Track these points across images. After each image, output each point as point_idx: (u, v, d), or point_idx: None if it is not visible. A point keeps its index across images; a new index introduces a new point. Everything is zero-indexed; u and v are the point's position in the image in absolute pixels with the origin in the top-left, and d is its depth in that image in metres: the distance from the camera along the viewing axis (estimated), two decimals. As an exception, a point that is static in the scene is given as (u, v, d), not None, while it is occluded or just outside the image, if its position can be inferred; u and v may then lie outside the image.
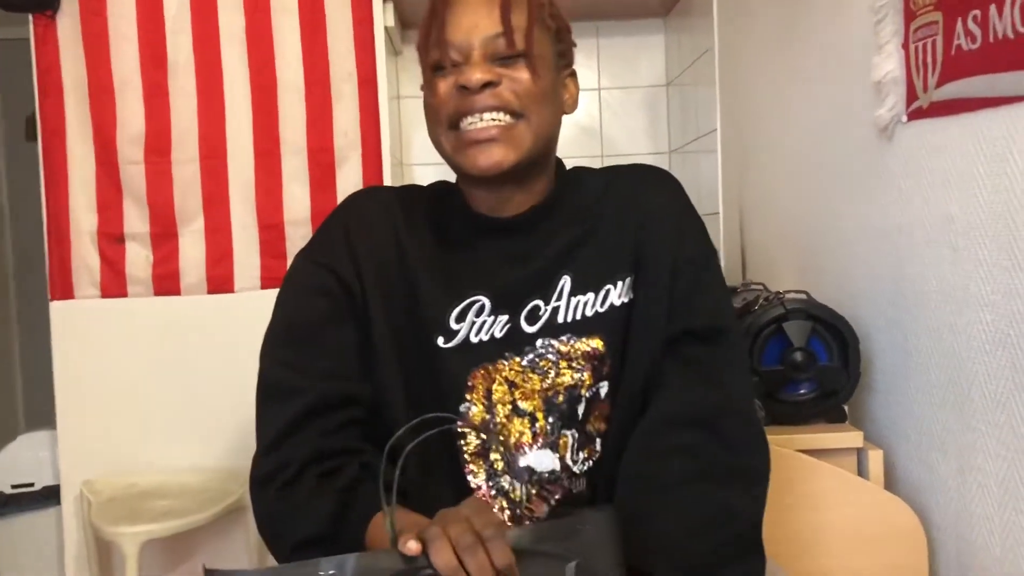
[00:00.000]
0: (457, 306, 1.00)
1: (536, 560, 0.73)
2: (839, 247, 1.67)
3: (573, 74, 1.08)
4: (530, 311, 1.01)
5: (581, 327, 1.01)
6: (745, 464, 0.97)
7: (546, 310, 1.01)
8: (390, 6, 2.48)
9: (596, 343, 1.01)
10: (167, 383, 2.43)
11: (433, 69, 1.00)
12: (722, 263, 2.29)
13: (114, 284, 2.47)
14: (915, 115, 1.35)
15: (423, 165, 2.93)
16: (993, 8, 1.12)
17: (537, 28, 0.99)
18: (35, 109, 2.42)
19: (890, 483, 1.44)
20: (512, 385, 0.99)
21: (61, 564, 2.50)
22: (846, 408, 1.51)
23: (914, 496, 1.38)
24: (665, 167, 2.94)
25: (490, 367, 0.99)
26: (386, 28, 2.48)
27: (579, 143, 2.96)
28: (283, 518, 0.95)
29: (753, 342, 1.43)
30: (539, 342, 1.00)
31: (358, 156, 2.49)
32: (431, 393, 0.97)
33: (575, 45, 1.09)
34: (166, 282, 2.47)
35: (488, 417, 0.98)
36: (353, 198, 1.09)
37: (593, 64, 2.96)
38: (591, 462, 1.01)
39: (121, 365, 2.46)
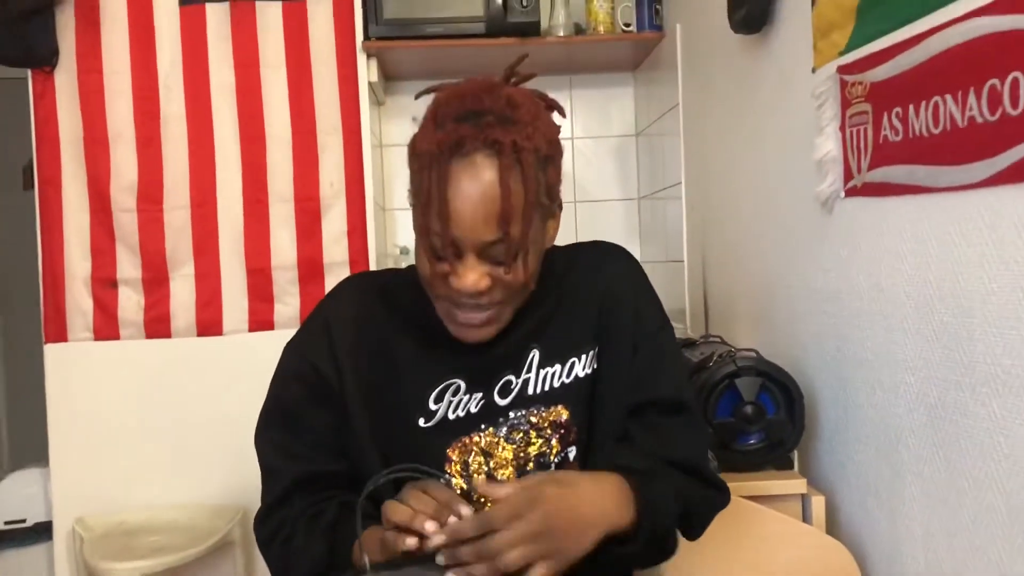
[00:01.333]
0: (435, 389, 1.09)
1: None
2: (788, 306, 1.81)
3: (558, 209, 1.12)
4: (502, 385, 1.10)
5: (549, 397, 1.10)
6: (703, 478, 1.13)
7: (517, 383, 1.10)
8: (374, 62, 2.62)
9: (562, 413, 1.10)
10: (158, 423, 2.53)
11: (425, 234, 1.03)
12: (686, 311, 2.43)
13: (107, 327, 2.57)
14: (851, 192, 1.49)
15: (404, 210, 3.05)
16: (911, 107, 1.27)
17: (534, 219, 1.02)
18: (32, 159, 2.53)
19: (832, 527, 1.57)
20: (487, 455, 1.08)
21: (52, 598, 2.57)
22: (794, 456, 1.64)
23: (853, 539, 1.52)
24: (635, 213, 3.11)
25: (466, 439, 1.08)
26: (370, 83, 2.61)
27: (553, 189, 3.09)
28: (288, 566, 1.10)
29: (708, 396, 1.56)
30: (512, 413, 1.09)
31: (343, 203, 2.61)
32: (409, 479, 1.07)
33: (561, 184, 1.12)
34: (157, 325, 2.58)
35: (466, 488, 1.07)
36: (337, 292, 1.19)
37: (567, 114, 3.10)
38: None
39: (113, 405, 2.56)
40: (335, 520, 1.08)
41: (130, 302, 2.57)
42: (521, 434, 1.08)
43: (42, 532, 2.59)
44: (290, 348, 1.17)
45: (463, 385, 1.09)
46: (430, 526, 0.90)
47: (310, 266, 2.60)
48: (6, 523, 2.60)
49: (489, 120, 0.97)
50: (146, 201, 2.56)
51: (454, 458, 1.08)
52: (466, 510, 0.90)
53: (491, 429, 1.09)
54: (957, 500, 1.22)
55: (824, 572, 1.45)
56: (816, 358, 1.67)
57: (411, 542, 0.90)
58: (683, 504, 1.06)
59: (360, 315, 1.14)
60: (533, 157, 0.99)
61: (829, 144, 1.53)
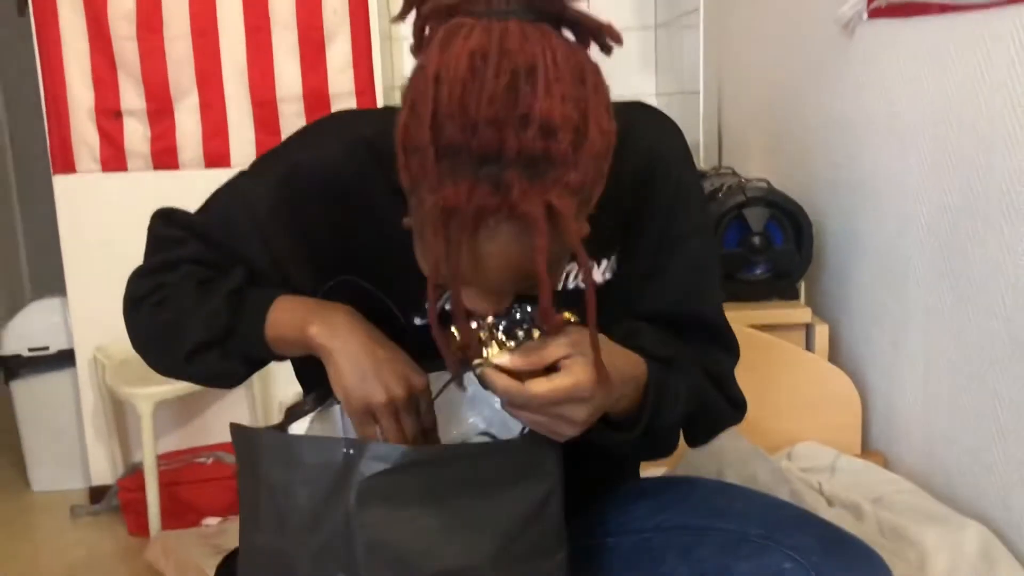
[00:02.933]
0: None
1: (526, 449, 0.83)
2: (802, 135, 1.77)
3: None
4: None
5: (558, 299, 0.87)
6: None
7: None
8: None
9: (568, 318, 0.87)
10: (170, 254, 2.55)
11: None
12: (700, 143, 2.38)
13: (114, 158, 2.55)
14: (875, 14, 1.43)
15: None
16: (945, -81, 1.19)
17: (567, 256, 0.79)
18: (24, -19, 2.44)
19: (834, 355, 1.59)
20: (484, 346, 0.89)
21: (80, 422, 2.68)
22: (800, 287, 1.64)
23: (854, 366, 1.54)
24: (651, 42, 2.99)
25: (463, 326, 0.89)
26: (375, -96, 2.47)
27: (566, 17, 2.97)
28: (169, 328, 0.93)
29: (716, 227, 1.55)
30: (515, 307, 0.89)
31: (347, 32, 2.53)
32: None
33: None
34: (164, 156, 2.56)
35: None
36: (312, 136, 0.96)
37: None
38: None
39: (125, 236, 2.54)
40: (242, 285, 0.92)
41: (136, 133, 2.54)
42: (522, 332, 0.89)
43: (65, 359, 2.67)
44: (235, 188, 0.96)
45: None
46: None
47: (316, 97, 2.54)
48: (30, 350, 2.68)
49: (514, 176, 0.69)
50: (145, 29, 2.48)
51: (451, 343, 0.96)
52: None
53: (490, 320, 0.88)
54: (960, 328, 1.23)
55: (826, 398, 1.48)
56: (826, 188, 1.64)
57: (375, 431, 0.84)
58: (695, 405, 0.92)
59: (343, 180, 0.91)
60: (575, 205, 0.73)
61: (855, -39, 1.45)
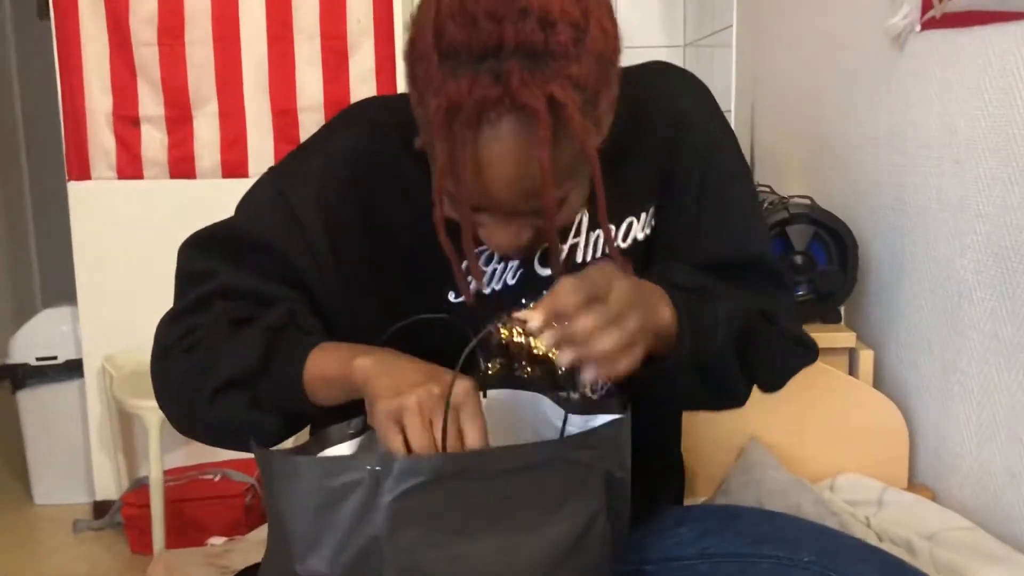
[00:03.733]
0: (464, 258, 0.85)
1: (568, 467, 0.75)
2: (845, 152, 1.70)
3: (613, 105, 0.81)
4: (544, 252, 0.89)
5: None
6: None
7: (563, 249, 0.90)
8: None
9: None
10: (184, 264, 2.50)
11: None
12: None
13: (130, 166, 2.51)
14: (928, 25, 1.36)
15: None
16: (1013, -79, 1.13)
17: (582, 166, 0.77)
18: (46, -15, 2.41)
19: (878, 381, 1.51)
20: (528, 335, 0.87)
21: (86, 432, 2.62)
22: (842, 310, 1.57)
23: (900, 394, 1.46)
24: (680, 62, 2.96)
25: (505, 318, 0.86)
26: (401, -89, 2.44)
27: (593, 34, 2.94)
28: (200, 366, 0.85)
29: (755, 244, 1.48)
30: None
31: (371, 43, 2.49)
32: (441, 341, 0.81)
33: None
34: (182, 165, 2.51)
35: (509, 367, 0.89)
36: (343, 122, 0.94)
37: (610, -48, 2.91)
38: (611, 385, 0.93)
39: (138, 245, 2.52)
40: (283, 323, 0.86)
41: (153, 141, 2.50)
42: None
43: (73, 369, 2.62)
44: (267, 184, 0.92)
45: (496, 252, 0.89)
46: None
47: (337, 107, 2.45)
48: (38, 359, 2.63)
49: (514, 66, 0.69)
50: (166, 35, 2.44)
51: (491, 339, 0.88)
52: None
53: (533, 303, 0.83)
54: (1022, 356, 1.15)
55: (870, 427, 1.40)
56: (872, 208, 1.57)
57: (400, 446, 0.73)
58: (742, 330, 0.86)
59: (369, 160, 0.90)
60: (579, 101, 0.72)
61: (908, -30, 1.39)
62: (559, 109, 0.70)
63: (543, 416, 0.89)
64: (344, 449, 0.84)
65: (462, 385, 0.74)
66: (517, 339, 0.88)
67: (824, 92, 1.81)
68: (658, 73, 0.94)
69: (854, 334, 1.52)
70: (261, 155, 2.51)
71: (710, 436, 1.40)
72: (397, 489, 0.69)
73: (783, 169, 2.07)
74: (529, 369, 0.90)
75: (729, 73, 2.33)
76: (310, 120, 2.49)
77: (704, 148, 0.91)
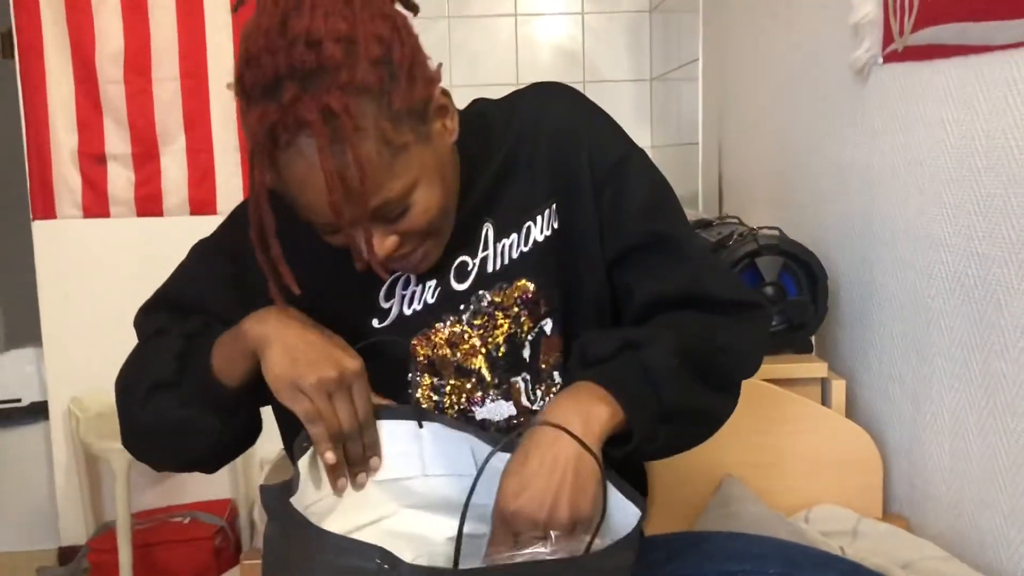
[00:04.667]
0: (384, 284, 0.95)
1: None
2: (813, 183, 1.72)
3: (441, 94, 0.88)
4: (457, 268, 0.96)
5: (510, 271, 0.96)
6: (737, 309, 0.96)
7: (474, 264, 0.96)
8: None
9: (527, 286, 0.96)
10: (151, 303, 2.47)
11: None
12: (699, 194, 2.34)
13: (96, 204, 2.48)
14: (890, 58, 1.38)
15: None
16: (970, -43, 1.15)
17: (402, 162, 0.82)
18: (11, 24, 2.39)
19: (851, 411, 1.52)
20: (453, 346, 0.96)
21: (51, 476, 2.57)
22: (813, 340, 1.57)
23: (872, 423, 1.47)
24: (646, 95, 2.98)
25: (429, 333, 0.96)
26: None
27: (560, 69, 2.96)
28: (128, 377, 0.96)
29: (726, 276, 1.49)
30: (472, 297, 0.96)
31: (340, 79, 2.49)
32: (375, 375, 0.91)
33: (437, 82, 0.87)
34: (148, 203, 2.49)
35: (438, 381, 0.96)
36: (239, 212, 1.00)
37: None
38: (550, 396, 0.98)
39: (105, 284, 2.49)
40: (197, 330, 0.95)
41: (120, 179, 2.48)
42: (486, 317, 0.95)
43: (38, 411, 2.57)
44: (199, 249, 1.02)
45: (412, 275, 0.96)
46: (330, 457, 0.85)
47: (306, 143, 2.49)
48: (2, 402, 2.58)
49: (290, 89, 0.76)
50: (133, 72, 2.43)
51: (419, 356, 0.96)
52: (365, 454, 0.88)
53: (452, 318, 0.95)
54: (992, 384, 1.16)
55: (844, 456, 1.40)
56: (840, 238, 1.59)
57: (330, 457, 0.85)
58: (687, 354, 0.88)
59: (287, 219, 0.91)
60: (362, 102, 0.78)
61: (868, 5, 1.41)
62: (335, 119, 0.77)
63: (479, 450, 0.90)
64: (303, 463, 0.86)
65: (353, 365, 0.86)
66: (442, 352, 0.95)
67: (791, 124, 1.83)
68: (532, 91, 1.01)
69: (826, 364, 1.52)
70: (229, 192, 2.49)
71: (685, 470, 1.39)
72: None
73: (751, 201, 2.09)
74: (456, 382, 0.96)
75: (696, 106, 2.36)
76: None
77: (587, 139, 0.96)
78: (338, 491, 0.89)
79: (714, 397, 0.92)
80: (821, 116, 1.67)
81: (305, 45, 0.77)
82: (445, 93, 0.89)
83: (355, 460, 0.89)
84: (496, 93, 1.08)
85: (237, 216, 1.01)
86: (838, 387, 1.49)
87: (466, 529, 0.90)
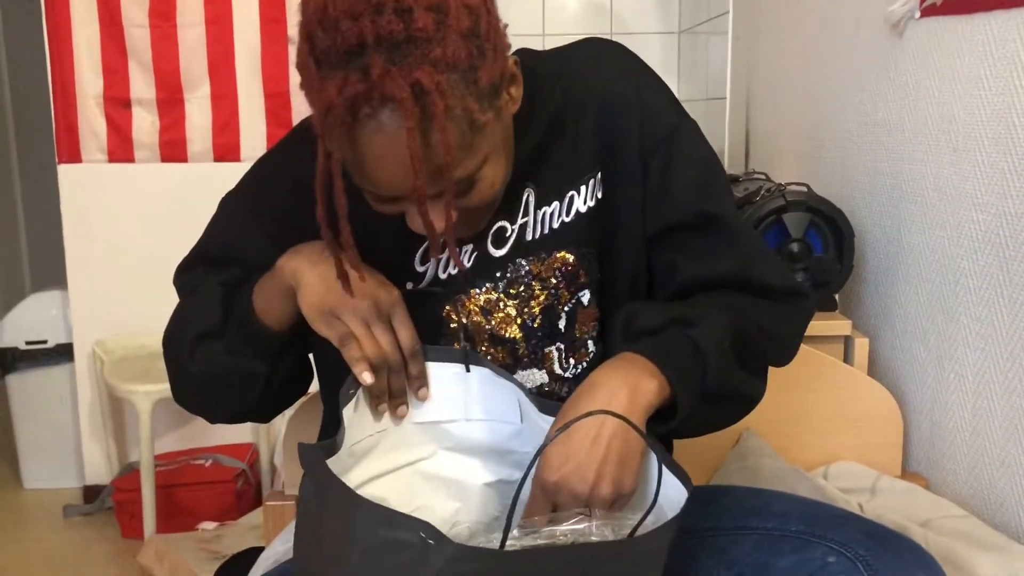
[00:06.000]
0: (420, 247, 0.93)
1: (624, 564, 0.75)
2: (843, 139, 1.69)
3: (512, 77, 0.84)
4: (496, 234, 0.93)
5: (550, 241, 0.93)
6: (784, 299, 0.95)
7: (513, 230, 0.93)
8: None
9: (566, 256, 0.93)
10: (174, 247, 2.46)
11: None
12: (726, 150, 2.31)
13: (121, 149, 2.49)
14: (928, 11, 1.35)
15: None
16: (1016, -93, 1.12)
17: (480, 140, 0.78)
18: (36, -35, 2.38)
19: (873, 369, 1.51)
20: (487, 314, 0.94)
21: (76, 417, 2.61)
22: (837, 297, 1.57)
23: (894, 382, 1.46)
24: (674, 48, 2.94)
25: (464, 299, 0.93)
26: None
27: (588, 20, 2.92)
28: (176, 327, 0.96)
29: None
30: (510, 265, 0.93)
31: (365, 26, 2.47)
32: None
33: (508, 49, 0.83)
34: (173, 148, 2.49)
35: (467, 346, 0.94)
36: (295, 137, 0.96)
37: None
38: (584, 364, 0.96)
39: (130, 229, 2.51)
40: (236, 281, 0.94)
41: (145, 123, 2.48)
42: (523, 287, 0.92)
43: (63, 353, 2.61)
44: (226, 202, 0.99)
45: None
46: (367, 377, 0.83)
47: (331, 91, 2.48)
48: (27, 343, 2.61)
49: (376, 59, 0.71)
50: (158, 16, 2.42)
51: (452, 322, 0.93)
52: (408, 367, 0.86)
53: (488, 285, 0.93)
54: (1018, 344, 1.15)
55: (865, 414, 1.40)
56: (868, 196, 1.57)
57: (367, 377, 0.83)
58: (736, 337, 0.87)
59: (300, 174, 0.89)
60: (452, 80, 0.74)
61: (907, -43, 1.38)
62: (426, 96, 0.72)
63: (525, 403, 0.90)
64: (348, 413, 0.85)
65: (390, 296, 0.85)
66: (476, 319, 0.93)
67: (821, 79, 1.81)
68: (583, 48, 0.96)
69: (849, 322, 1.52)
70: (253, 138, 2.49)
71: (705, 423, 1.39)
72: (447, 569, 0.68)
73: (779, 157, 2.06)
74: (491, 349, 0.94)
75: (724, 60, 2.32)
76: (303, 103, 2.45)
77: (638, 107, 0.92)
78: (378, 416, 0.88)
79: (751, 382, 0.90)
80: (853, 71, 1.64)
81: (394, 12, 0.71)
82: (516, 63, 0.84)
83: (397, 392, 0.88)
84: (523, 44, 1.05)
85: (264, 164, 0.99)
86: (861, 345, 1.49)
87: (503, 475, 0.91)
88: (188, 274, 1.00)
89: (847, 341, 1.51)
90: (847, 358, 1.50)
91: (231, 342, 0.91)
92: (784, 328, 0.95)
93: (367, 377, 0.83)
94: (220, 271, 0.96)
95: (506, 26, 0.82)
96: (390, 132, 0.73)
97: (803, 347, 1.40)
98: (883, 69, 1.51)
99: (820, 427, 1.41)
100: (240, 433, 2.61)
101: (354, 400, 0.86)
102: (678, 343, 0.85)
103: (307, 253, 0.87)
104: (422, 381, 0.90)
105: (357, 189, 0.84)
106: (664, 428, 0.84)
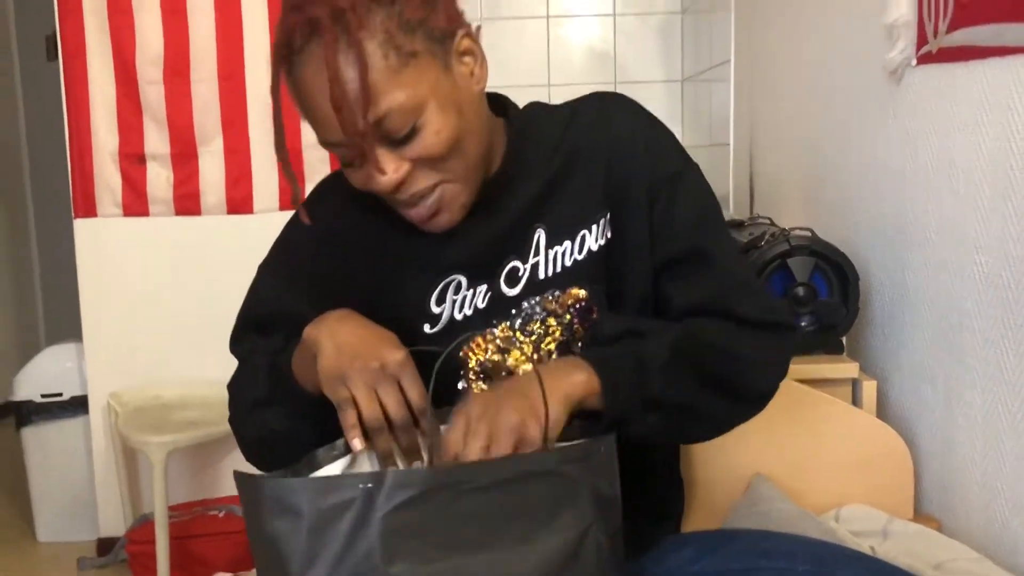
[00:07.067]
0: (435, 290, 0.97)
1: (556, 480, 0.79)
2: (845, 184, 1.72)
3: (466, 36, 0.91)
4: (508, 274, 0.97)
5: (563, 278, 0.97)
6: (766, 324, 0.97)
7: (525, 269, 0.97)
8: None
9: (579, 292, 0.97)
10: (188, 300, 2.52)
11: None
12: (730, 195, 2.34)
13: (136, 203, 2.53)
14: (924, 59, 1.38)
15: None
16: (1005, -41, 1.15)
17: (410, 73, 0.84)
18: (55, 28, 2.44)
19: (882, 412, 1.52)
20: (504, 352, 0.97)
21: (90, 470, 2.62)
22: (844, 340, 1.58)
23: (903, 424, 1.47)
24: (677, 96, 2.99)
25: (479, 339, 0.97)
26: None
27: (592, 70, 2.97)
28: (236, 392, 1.04)
29: (759, 276, 1.50)
30: (524, 303, 0.97)
31: (374, 80, 2.52)
32: (421, 372, 0.91)
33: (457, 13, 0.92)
34: (187, 202, 2.53)
35: (488, 387, 0.97)
36: (315, 194, 1.06)
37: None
38: None
39: (144, 282, 2.54)
40: (281, 347, 1.00)
41: (159, 178, 2.52)
42: (538, 323, 0.96)
43: (78, 406, 2.62)
44: (263, 269, 1.07)
45: (464, 280, 0.97)
46: (357, 443, 0.85)
47: (341, 144, 2.52)
48: (43, 396, 2.63)
49: (310, 2, 0.83)
50: (172, 74, 2.48)
51: (470, 361, 0.97)
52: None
53: (505, 323, 0.97)
54: (1025, 384, 1.16)
55: (875, 457, 1.40)
56: (872, 239, 1.59)
57: (357, 444, 0.85)
58: (685, 351, 0.90)
59: (343, 217, 1.01)
60: (372, 8, 0.82)
61: (902, 7, 1.41)
62: (340, 16, 0.81)
63: None
64: (334, 470, 0.88)
65: (395, 357, 0.86)
66: (493, 357, 0.96)
67: (823, 125, 1.84)
68: (592, 101, 1.03)
69: (857, 364, 1.53)
70: (266, 191, 2.53)
71: (715, 470, 1.40)
72: (389, 504, 0.72)
73: (783, 201, 2.09)
74: None
75: (727, 107, 2.36)
76: (314, 157, 2.51)
77: (644, 153, 0.98)
78: None
79: (713, 399, 0.93)
80: (853, 117, 1.67)
81: None
82: (473, 39, 0.92)
83: (408, 449, 0.89)
84: (528, 95, 1.10)
85: (290, 228, 1.06)
86: (869, 387, 1.49)
87: None
88: (239, 344, 1.06)
89: (855, 383, 1.52)
90: (855, 400, 1.51)
91: (280, 408, 0.97)
92: (753, 353, 0.96)
93: (357, 444, 0.86)
94: (266, 337, 1.02)
95: (479, 27, 0.93)
96: (318, 59, 0.81)
97: (811, 390, 1.42)
98: (883, 115, 1.54)
99: (830, 470, 1.42)
100: (253, 483, 2.61)
101: (346, 459, 0.88)
102: (621, 351, 0.90)
103: (328, 322, 0.91)
104: (434, 436, 0.91)
105: (384, 250, 0.95)
106: (599, 426, 0.88)
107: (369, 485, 0.72)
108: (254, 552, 0.81)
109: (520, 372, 0.97)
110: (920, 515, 1.42)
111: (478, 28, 0.93)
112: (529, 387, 0.84)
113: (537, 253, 0.97)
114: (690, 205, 0.98)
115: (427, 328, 0.97)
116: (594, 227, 0.98)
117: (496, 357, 0.97)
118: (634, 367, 0.89)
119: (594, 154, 0.98)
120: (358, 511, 0.72)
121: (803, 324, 1.53)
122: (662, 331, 0.92)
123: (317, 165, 2.51)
